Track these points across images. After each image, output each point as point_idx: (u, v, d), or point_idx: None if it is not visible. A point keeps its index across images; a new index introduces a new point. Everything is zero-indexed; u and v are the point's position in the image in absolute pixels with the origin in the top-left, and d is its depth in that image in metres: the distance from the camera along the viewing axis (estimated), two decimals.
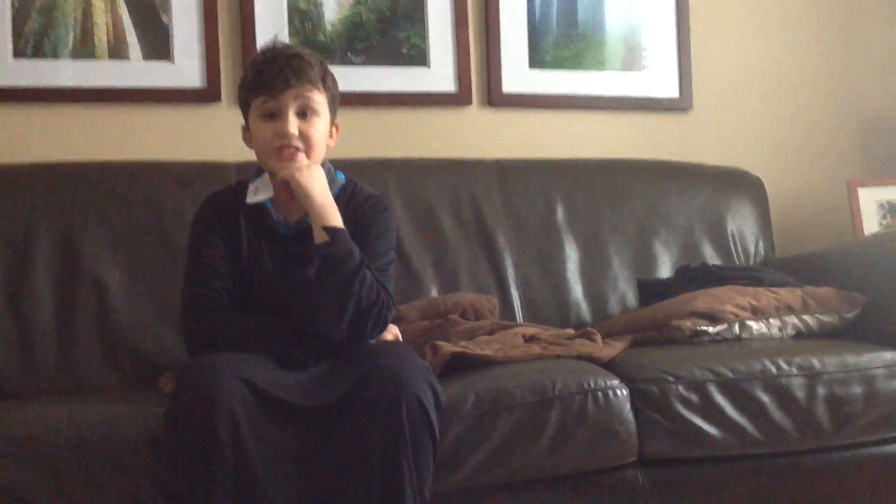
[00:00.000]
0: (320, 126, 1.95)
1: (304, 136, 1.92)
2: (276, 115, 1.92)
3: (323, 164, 2.02)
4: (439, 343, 2.08)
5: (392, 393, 1.66)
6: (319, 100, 1.95)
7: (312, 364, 1.81)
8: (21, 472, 1.68)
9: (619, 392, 1.95)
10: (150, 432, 1.72)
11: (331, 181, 2.00)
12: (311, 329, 1.83)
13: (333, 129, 2.03)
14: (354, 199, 2.02)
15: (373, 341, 1.90)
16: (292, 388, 1.72)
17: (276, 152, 1.92)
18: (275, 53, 1.95)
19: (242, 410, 1.63)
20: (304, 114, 1.93)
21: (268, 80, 1.91)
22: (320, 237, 1.85)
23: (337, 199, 1.99)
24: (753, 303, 2.28)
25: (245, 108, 1.99)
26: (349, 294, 1.80)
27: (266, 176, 1.97)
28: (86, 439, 1.71)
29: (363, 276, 1.82)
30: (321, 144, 1.96)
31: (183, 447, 1.63)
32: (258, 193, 1.94)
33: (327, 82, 1.98)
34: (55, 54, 2.62)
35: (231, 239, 1.95)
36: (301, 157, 1.92)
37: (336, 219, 1.87)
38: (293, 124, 1.91)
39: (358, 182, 2.07)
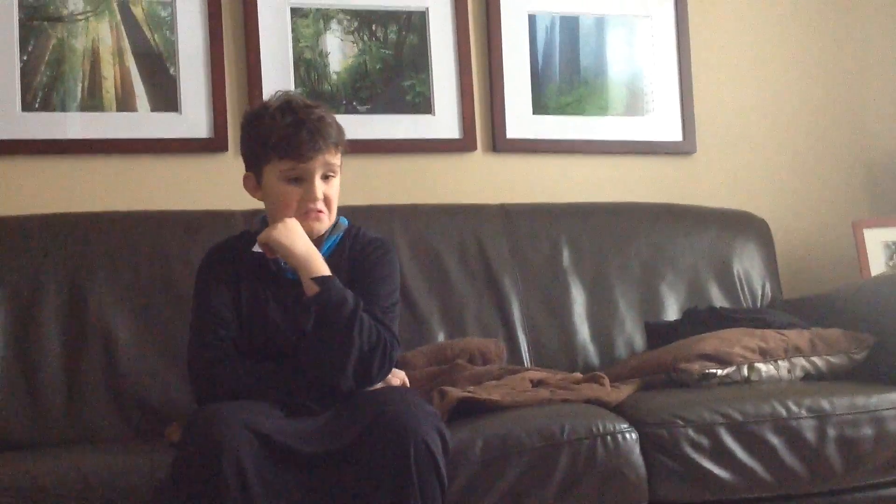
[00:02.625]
0: (338, 186, 1.98)
1: (326, 199, 1.94)
2: (300, 179, 1.92)
3: None
4: (446, 388, 2.07)
5: (399, 439, 1.65)
6: (338, 161, 1.97)
7: (319, 411, 1.81)
8: None
9: (628, 436, 1.94)
10: (157, 481, 1.72)
11: (334, 226, 2.02)
12: (318, 380, 1.83)
13: None
14: (358, 243, 2.03)
15: (381, 384, 1.90)
16: (299, 436, 1.71)
17: (303, 215, 1.93)
18: (299, 116, 1.92)
19: (249, 458, 1.63)
20: (326, 177, 1.94)
21: (296, 146, 1.89)
22: (311, 289, 1.85)
23: (340, 243, 2.02)
24: (762, 345, 2.27)
25: (257, 161, 1.96)
26: (350, 341, 1.80)
27: None
28: (92, 489, 1.71)
29: (361, 321, 1.82)
30: (337, 202, 1.99)
31: (190, 496, 1.63)
32: None
33: (342, 140, 1.98)
34: (63, 107, 2.65)
35: (237, 287, 1.96)
36: (325, 216, 1.95)
37: (322, 268, 1.88)
38: (321, 189, 1.93)
39: (361, 227, 2.09)
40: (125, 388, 2.28)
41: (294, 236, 1.89)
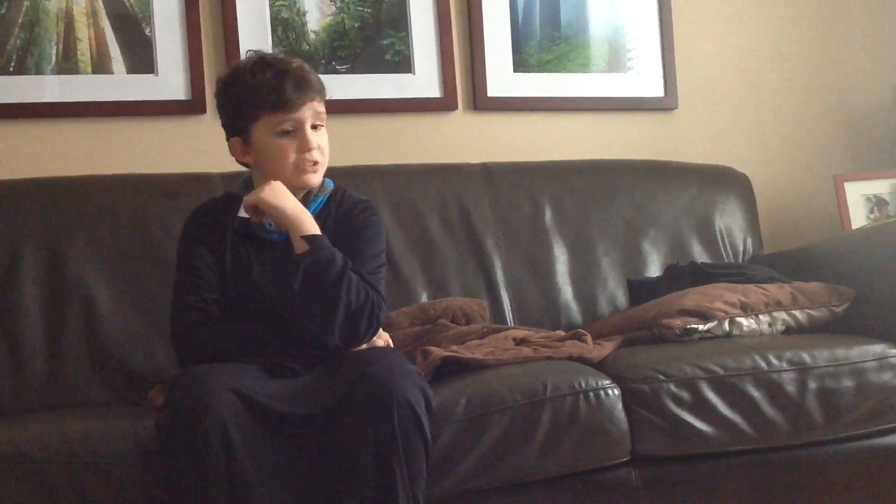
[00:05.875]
0: (326, 136, 1.98)
1: (319, 148, 1.94)
2: (293, 131, 1.92)
3: None
4: (430, 348, 2.08)
5: (383, 399, 1.66)
6: (324, 110, 1.97)
7: (302, 372, 1.81)
8: (12, 490, 1.68)
9: (610, 392, 1.95)
10: (141, 445, 1.72)
11: (321, 188, 2.02)
12: (305, 337, 1.83)
13: None
14: (343, 206, 2.03)
15: (365, 345, 1.90)
16: (283, 397, 1.72)
17: (299, 167, 1.93)
18: (279, 68, 1.92)
19: (233, 421, 1.63)
20: (315, 126, 1.94)
21: (285, 97, 1.89)
22: (301, 247, 1.85)
23: (326, 205, 2.02)
24: (743, 299, 2.28)
25: (243, 122, 1.94)
26: (337, 299, 1.80)
27: None
28: (76, 454, 1.71)
29: (349, 280, 1.82)
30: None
31: (175, 459, 1.63)
32: None
33: (324, 90, 1.99)
34: (39, 70, 2.62)
35: (219, 249, 1.96)
36: (320, 168, 1.95)
37: (313, 226, 1.88)
38: (314, 139, 1.93)
39: (346, 189, 2.08)
40: (107, 352, 2.27)
41: (283, 196, 1.89)
